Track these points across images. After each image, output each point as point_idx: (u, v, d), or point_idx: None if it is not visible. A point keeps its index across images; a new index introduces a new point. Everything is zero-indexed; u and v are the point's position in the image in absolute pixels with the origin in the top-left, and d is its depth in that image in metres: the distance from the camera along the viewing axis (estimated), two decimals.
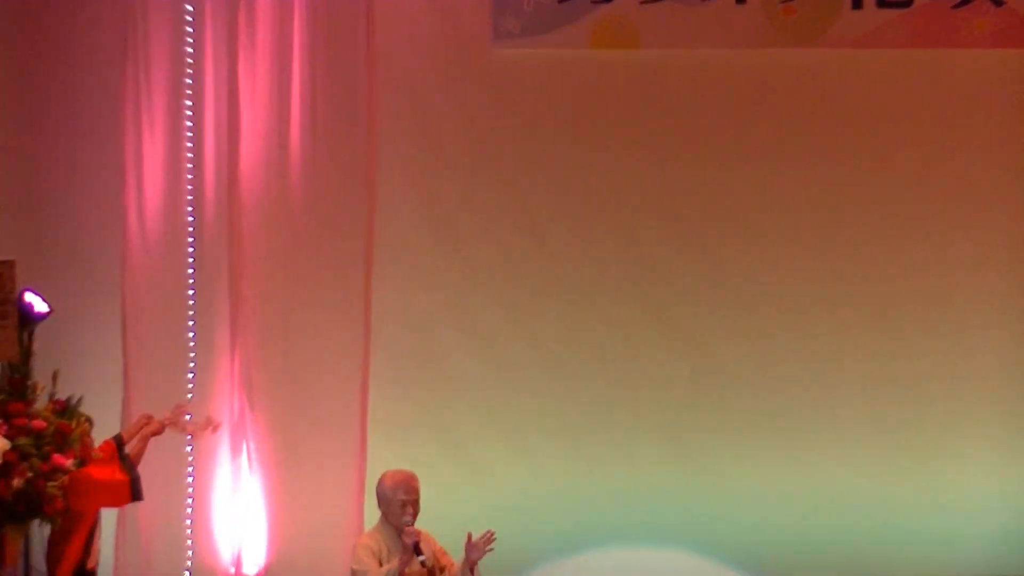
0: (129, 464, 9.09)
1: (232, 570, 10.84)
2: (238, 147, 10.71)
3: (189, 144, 10.83)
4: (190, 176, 10.88)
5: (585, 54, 10.89)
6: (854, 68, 10.87)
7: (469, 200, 11.05)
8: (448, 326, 11.03)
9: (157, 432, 9.49)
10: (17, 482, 8.47)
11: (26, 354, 8.96)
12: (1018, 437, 10.89)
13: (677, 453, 10.97)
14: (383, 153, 10.82)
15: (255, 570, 10.92)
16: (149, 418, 9.56)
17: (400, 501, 8.34)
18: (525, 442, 10.98)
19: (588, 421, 10.93)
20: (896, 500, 10.83)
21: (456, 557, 8.56)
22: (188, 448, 10.84)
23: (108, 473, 8.90)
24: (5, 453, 8.42)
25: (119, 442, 9.21)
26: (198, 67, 10.80)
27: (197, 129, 10.85)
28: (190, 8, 10.80)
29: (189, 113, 10.79)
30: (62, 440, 8.76)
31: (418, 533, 8.31)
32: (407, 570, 8.26)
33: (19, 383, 8.85)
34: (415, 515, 8.37)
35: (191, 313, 10.92)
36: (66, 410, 8.96)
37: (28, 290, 9.07)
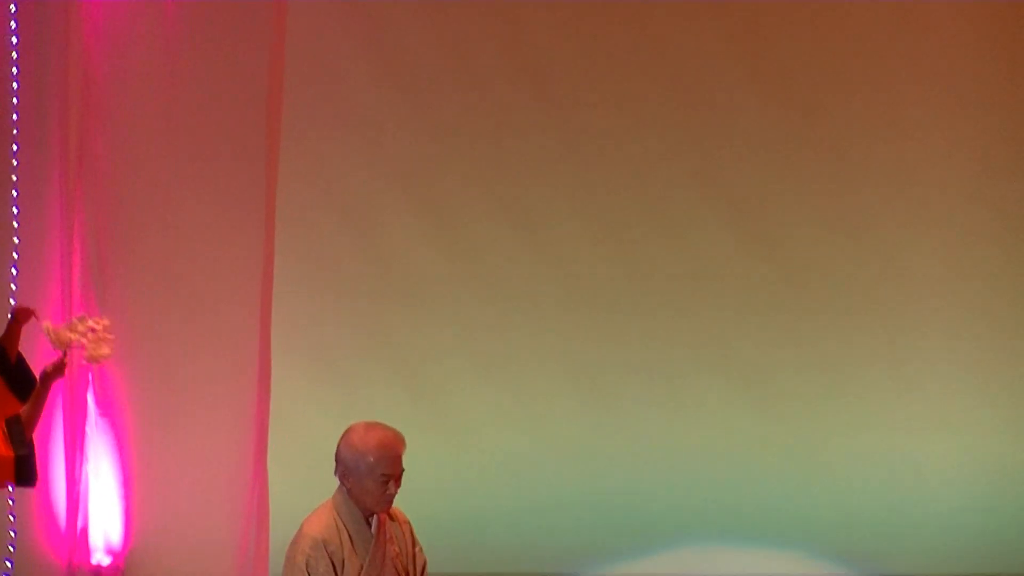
0: (17, 434, 8.27)
1: (69, 561, 10.08)
2: None
3: None
4: None
5: None
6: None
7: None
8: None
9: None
10: None
11: None
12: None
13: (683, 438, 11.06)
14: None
15: (108, 560, 10.01)
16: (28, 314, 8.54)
17: (381, 477, 6.47)
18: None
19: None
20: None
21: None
22: None
23: None
24: None
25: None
26: None
27: None
28: None
29: None
30: None
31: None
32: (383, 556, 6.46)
33: None
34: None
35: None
36: None
37: None
